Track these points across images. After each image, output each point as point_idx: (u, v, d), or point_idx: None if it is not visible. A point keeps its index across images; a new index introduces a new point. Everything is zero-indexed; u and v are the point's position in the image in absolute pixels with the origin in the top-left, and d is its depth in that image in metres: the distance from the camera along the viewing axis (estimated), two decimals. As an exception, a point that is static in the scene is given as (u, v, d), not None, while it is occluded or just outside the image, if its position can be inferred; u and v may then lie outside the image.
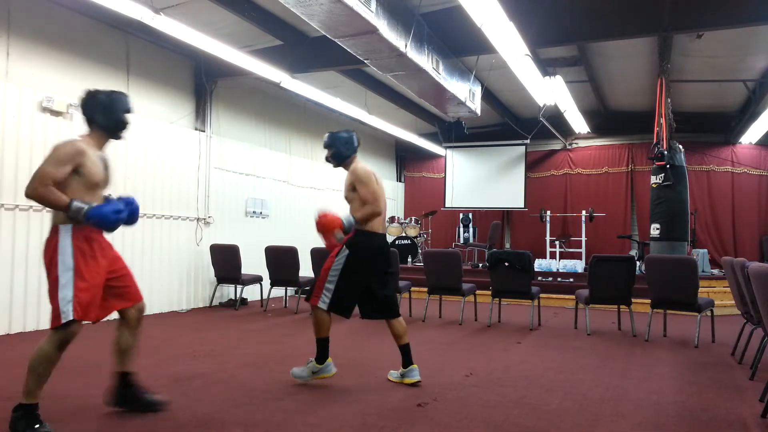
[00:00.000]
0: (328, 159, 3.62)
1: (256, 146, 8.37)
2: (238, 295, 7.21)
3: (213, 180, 7.47)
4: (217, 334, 5.33)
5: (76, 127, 5.69)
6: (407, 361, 3.52)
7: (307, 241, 8.62)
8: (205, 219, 7.33)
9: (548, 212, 10.25)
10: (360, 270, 3.44)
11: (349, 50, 5.17)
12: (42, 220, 5.21)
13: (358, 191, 3.44)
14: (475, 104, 7.30)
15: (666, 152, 6.92)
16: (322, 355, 3.46)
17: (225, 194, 7.70)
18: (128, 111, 2.84)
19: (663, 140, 7.03)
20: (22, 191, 2.55)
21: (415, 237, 10.10)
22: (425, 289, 6.44)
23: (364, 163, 3.58)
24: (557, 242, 9.91)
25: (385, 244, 3.59)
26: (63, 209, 2.53)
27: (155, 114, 6.75)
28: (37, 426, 2.49)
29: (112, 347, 2.87)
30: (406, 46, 5.18)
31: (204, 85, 7.33)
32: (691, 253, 7.91)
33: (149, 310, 6.43)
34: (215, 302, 7.34)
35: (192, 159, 7.18)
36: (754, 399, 3.28)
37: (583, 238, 9.81)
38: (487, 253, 8.96)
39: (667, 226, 6.95)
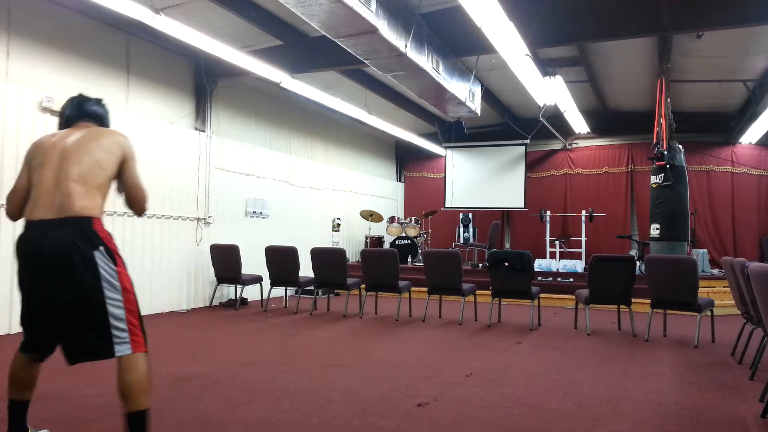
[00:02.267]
0: None
1: (256, 146, 8.37)
2: (238, 295, 7.21)
3: (213, 180, 7.47)
4: (217, 334, 5.33)
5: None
6: None
7: (307, 241, 8.67)
8: (205, 219, 7.33)
9: (548, 212, 10.25)
10: (22, 283, 2.20)
11: (349, 50, 5.17)
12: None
13: None
14: (475, 104, 7.30)
15: (666, 152, 6.93)
16: (10, 425, 2.22)
17: (225, 194, 7.70)
18: None
19: (663, 140, 7.04)
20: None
21: (415, 237, 10.10)
22: (425, 289, 6.43)
23: (44, 137, 2.31)
24: (557, 242, 9.91)
25: (36, 237, 2.08)
26: None
27: (155, 114, 6.75)
28: None
29: None
30: (406, 46, 5.18)
31: (204, 85, 7.33)
32: (691, 253, 7.92)
33: (150, 309, 6.48)
34: (215, 302, 7.34)
35: (192, 159, 7.17)
36: (754, 399, 3.29)
37: (583, 238, 9.80)
38: (487, 253, 8.96)
39: (667, 226, 6.96)
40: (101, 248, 2.08)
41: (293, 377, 3.67)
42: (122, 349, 2.05)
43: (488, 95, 8.79)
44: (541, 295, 6.54)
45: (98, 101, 2.44)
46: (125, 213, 6.18)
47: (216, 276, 7.18)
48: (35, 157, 2.21)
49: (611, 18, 5.71)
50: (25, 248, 2.11)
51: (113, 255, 2.11)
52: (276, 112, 8.86)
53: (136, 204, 2.33)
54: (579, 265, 8.49)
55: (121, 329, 2.06)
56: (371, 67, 5.73)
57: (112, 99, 6.20)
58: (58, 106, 5.43)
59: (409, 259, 9.67)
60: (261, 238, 7.89)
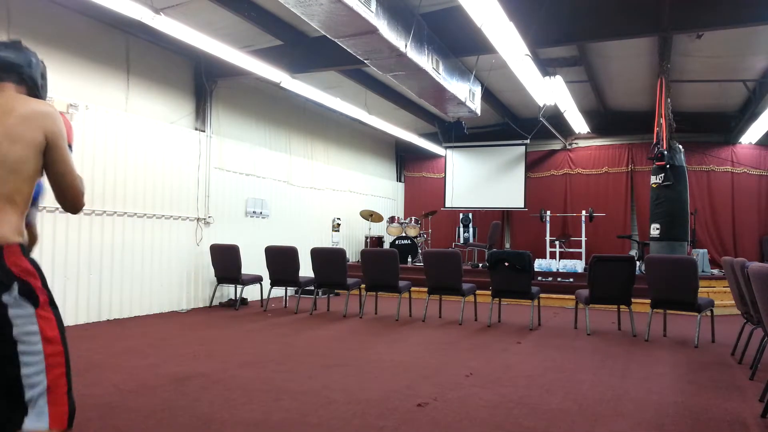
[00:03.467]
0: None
1: (256, 146, 8.37)
2: (238, 295, 7.21)
3: (213, 180, 7.47)
4: (217, 334, 5.33)
5: (76, 127, 5.70)
6: None
7: (307, 241, 8.67)
8: (205, 219, 7.33)
9: (548, 212, 10.25)
10: None
11: (349, 50, 5.17)
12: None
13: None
14: (475, 104, 7.30)
15: (666, 152, 6.92)
16: None
17: (225, 194, 7.70)
18: None
19: (663, 140, 7.04)
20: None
21: (415, 237, 10.10)
22: (425, 289, 6.44)
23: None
24: (557, 242, 9.91)
25: None
26: None
27: (155, 114, 6.75)
28: None
29: None
30: (406, 46, 5.18)
31: (204, 85, 7.33)
32: (691, 253, 7.92)
33: (150, 309, 6.48)
34: (215, 302, 7.34)
35: (192, 159, 7.17)
36: (754, 399, 3.29)
37: (583, 238, 9.81)
38: (487, 253, 8.97)
39: (667, 226, 6.96)
40: (14, 287, 1.49)
41: (293, 377, 3.67)
42: (35, 423, 1.46)
43: (488, 95, 8.79)
44: (541, 295, 6.54)
45: (9, 44, 1.72)
46: (125, 213, 6.18)
47: (216, 276, 7.18)
48: None
49: (611, 18, 5.71)
50: None
51: (33, 293, 1.51)
52: (276, 112, 8.86)
53: (68, 198, 1.66)
54: (579, 265, 8.49)
55: (35, 395, 1.47)
56: (371, 67, 5.73)
57: (112, 99, 6.22)
58: (58, 106, 5.43)
59: (409, 259, 9.67)
60: (261, 238, 7.90)
